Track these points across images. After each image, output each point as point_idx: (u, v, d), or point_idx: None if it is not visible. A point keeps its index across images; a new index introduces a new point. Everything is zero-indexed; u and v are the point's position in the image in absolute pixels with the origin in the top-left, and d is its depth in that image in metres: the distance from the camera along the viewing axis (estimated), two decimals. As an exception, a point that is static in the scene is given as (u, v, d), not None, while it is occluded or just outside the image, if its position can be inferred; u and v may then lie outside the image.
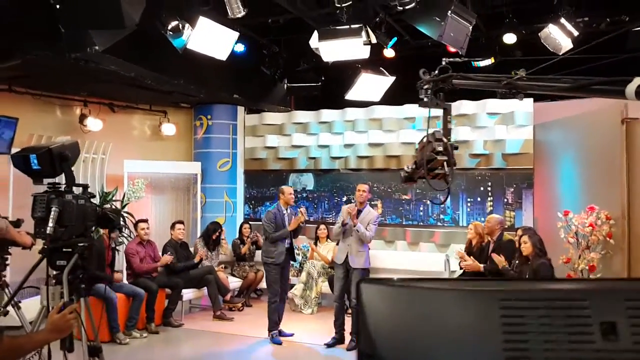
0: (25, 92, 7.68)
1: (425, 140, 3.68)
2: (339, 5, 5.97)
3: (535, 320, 0.73)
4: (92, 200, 2.56)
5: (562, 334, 0.73)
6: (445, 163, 3.58)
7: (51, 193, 2.34)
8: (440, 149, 3.57)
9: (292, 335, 6.40)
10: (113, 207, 7.79)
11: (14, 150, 6.32)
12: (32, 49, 5.89)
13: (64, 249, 2.42)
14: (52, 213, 2.27)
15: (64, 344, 2.25)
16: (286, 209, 6.50)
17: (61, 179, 2.46)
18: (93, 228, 2.58)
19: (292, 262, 6.64)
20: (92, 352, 2.48)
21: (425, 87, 3.87)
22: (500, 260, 5.78)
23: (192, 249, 7.68)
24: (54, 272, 2.41)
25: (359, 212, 6.18)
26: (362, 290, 0.81)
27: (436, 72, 3.75)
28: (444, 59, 3.73)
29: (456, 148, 3.70)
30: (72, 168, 7.42)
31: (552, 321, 0.73)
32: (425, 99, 3.84)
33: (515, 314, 0.74)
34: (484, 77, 3.58)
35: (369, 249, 7.48)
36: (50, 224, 2.25)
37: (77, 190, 2.54)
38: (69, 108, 8.46)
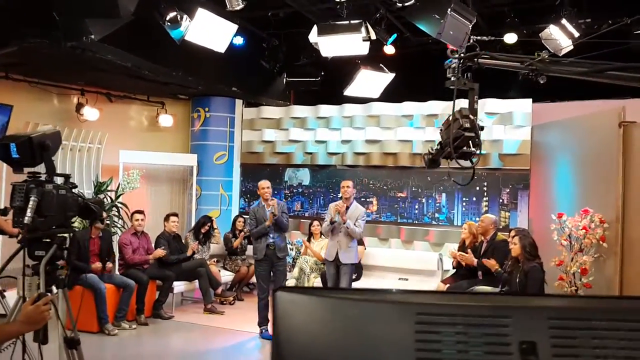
0: (22, 80, 7.65)
1: (450, 118, 3.63)
2: (339, 0, 5.93)
3: (451, 337, 0.70)
4: (73, 190, 2.53)
5: (479, 352, 0.70)
6: (472, 141, 3.52)
7: (30, 182, 2.31)
8: (468, 125, 3.53)
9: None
10: (103, 198, 7.79)
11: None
12: (28, 36, 5.86)
13: (44, 240, 2.39)
14: (31, 202, 2.24)
15: (38, 336, 2.22)
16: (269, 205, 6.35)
17: (42, 168, 2.43)
18: (74, 218, 2.54)
19: (285, 258, 6.46)
20: (70, 344, 2.45)
21: (453, 65, 3.83)
22: (492, 264, 5.76)
23: (184, 242, 7.65)
24: (32, 263, 2.39)
25: (346, 209, 6.19)
26: (277, 298, 0.79)
27: (463, 50, 3.73)
28: (472, 36, 3.71)
29: (482, 129, 3.65)
30: (67, 157, 7.40)
31: (469, 338, 0.70)
32: (453, 78, 3.81)
33: (430, 330, 0.71)
34: (508, 57, 3.56)
35: (363, 245, 7.52)
36: (29, 214, 2.22)
37: (59, 180, 2.51)
38: (66, 97, 8.42)
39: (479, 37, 3.67)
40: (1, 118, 6.57)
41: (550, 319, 0.71)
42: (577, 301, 0.84)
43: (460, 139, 3.52)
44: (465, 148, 3.67)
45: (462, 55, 3.68)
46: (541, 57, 3.19)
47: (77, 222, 6.34)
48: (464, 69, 3.87)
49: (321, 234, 7.84)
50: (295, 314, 0.76)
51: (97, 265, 6.25)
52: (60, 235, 2.44)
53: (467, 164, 3.60)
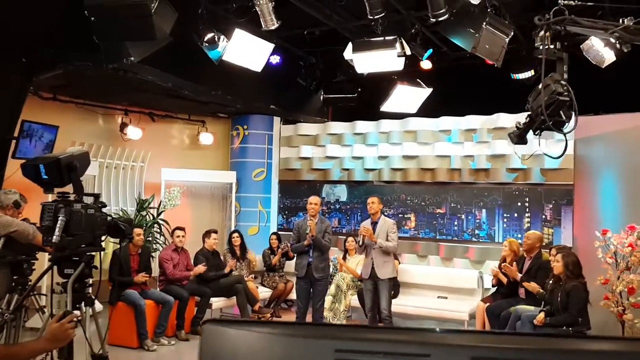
0: (69, 101, 7.96)
1: (539, 87, 3.55)
2: (372, 17, 5.93)
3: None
4: (103, 209, 2.60)
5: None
6: (567, 106, 3.41)
7: (59, 202, 2.39)
8: (562, 89, 3.44)
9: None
10: (145, 214, 7.97)
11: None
12: (72, 59, 6.12)
13: (73, 258, 2.46)
14: (59, 222, 2.31)
15: (62, 354, 2.27)
16: (315, 220, 6.36)
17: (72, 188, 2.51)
18: (103, 237, 2.61)
19: (324, 279, 6.39)
20: (98, 361, 2.50)
21: (541, 34, 3.77)
22: (533, 287, 5.57)
23: (222, 259, 7.74)
24: (62, 281, 2.46)
25: (375, 225, 6.12)
26: (204, 330, 0.78)
27: (551, 15, 3.66)
28: (560, 0, 3.63)
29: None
30: (111, 175, 7.61)
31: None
32: (541, 47, 3.75)
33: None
34: (594, 23, 3.46)
35: (397, 259, 7.43)
36: (57, 233, 2.29)
37: (89, 200, 2.59)
38: (111, 117, 8.71)
39: (567, 1, 3.57)
40: (48, 137, 6.81)
41: (473, 358, 0.68)
42: (503, 339, 0.80)
43: (555, 104, 3.41)
44: (560, 116, 3.54)
45: (549, 20, 3.58)
46: (625, 24, 3.11)
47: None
48: (552, 37, 3.78)
49: (356, 250, 7.80)
50: (221, 347, 0.75)
51: (139, 277, 6.39)
52: (89, 253, 2.50)
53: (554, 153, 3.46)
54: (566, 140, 3.49)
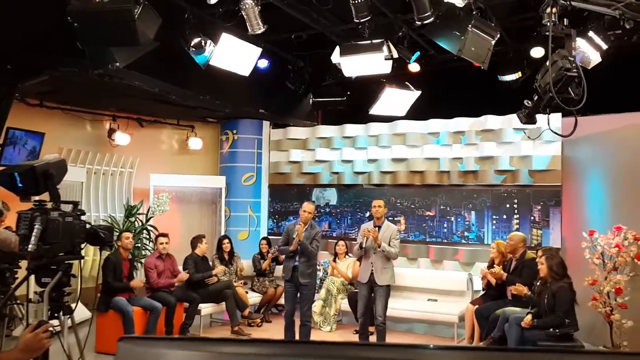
0: (55, 107, 7.92)
1: (547, 63, 3.53)
2: (358, 21, 5.93)
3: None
4: (81, 217, 2.57)
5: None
6: (575, 82, 3.38)
7: (35, 210, 2.36)
8: (570, 65, 3.41)
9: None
10: (134, 221, 7.93)
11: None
12: (58, 65, 6.09)
13: (51, 267, 2.43)
14: (35, 230, 2.28)
15: (37, 365, 2.24)
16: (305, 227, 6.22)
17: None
18: (82, 245, 2.58)
19: (309, 285, 6.22)
20: (77, 370, 2.47)
21: (548, 10, 3.75)
22: (520, 290, 5.58)
23: (211, 264, 7.70)
24: (40, 290, 2.43)
25: (378, 228, 6.08)
26: (119, 348, 0.77)
27: None
28: None
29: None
30: (99, 181, 7.56)
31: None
32: (549, 24, 3.73)
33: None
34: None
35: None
36: (32, 241, 2.26)
37: (67, 208, 2.56)
38: (99, 123, 8.67)
39: None
40: (32, 144, 6.77)
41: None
42: (415, 353, 0.79)
43: (563, 80, 3.38)
44: (568, 94, 3.52)
45: None
46: (628, 0, 3.12)
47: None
48: (559, 14, 3.77)
49: (346, 253, 7.78)
50: None
51: (136, 281, 6.38)
52: (67, 262, 2.47)
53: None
54: (576, 118, 3.45)
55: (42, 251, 2.34)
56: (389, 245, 6.03)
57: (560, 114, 7.37)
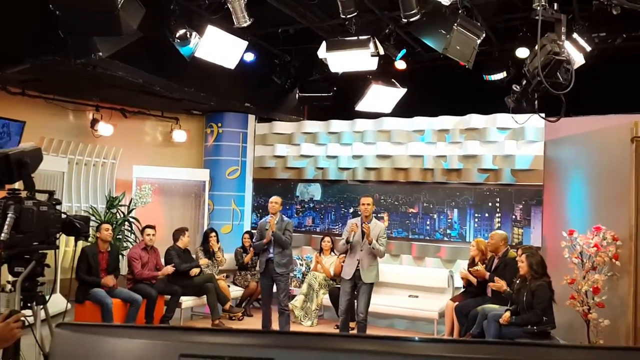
0: (38, 96, 7.81)
1: (536, 48, 3.52)
2: (345, 17, 5.93)
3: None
4: (57, 206, 2.54)
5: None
6: (563, 66, 3.37)
7: (9, 199, 2.33)
8: (558, 49, 3.41)
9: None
10: (116, 212, 7.86)
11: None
12: (40, 54, 6.00)
13: (25, 256, 2.41)
14: (8, 219, 2.25)
15: (7, 354, 2.22)
16: (276, 219, 6.38)
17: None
18: (58, 235, 2.55)
19: (285, 274, 6.40)
20: (50, 361, 2.44)
21: None
22: (499, 286, 5.64)
23: (194, 256, 7.67)
24: (13, 279, 2.40)
25: None
26: (55, 335, 0.77)
27: None
28: None
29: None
30: (81, 172, 7.49)
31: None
32: (539, 8, 3.72)
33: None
34: None
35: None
36: (5, 230, 2.23)
37: (42, 197, 2.53)
38: (82, 112, 8.58)
39: None
40: (14, 133, 6.68)
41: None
42: (397, 345, 0.80)
43: (551, 64, 3.39)
44: (556, 78, 3.52)
45: None
46: None
47: (91, 237, 6.43)
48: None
49: (331, 250, 7.78)
50: (71, 351, 0.73)
51: (108, 279, 6.30)
52: (41, 251, 2.45)
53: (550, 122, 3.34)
54: (564, 101, 3.46)
55: (15, 240, 2.31)
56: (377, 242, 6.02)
57: (543, 114, 7.44)
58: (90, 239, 6.04)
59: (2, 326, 2.02)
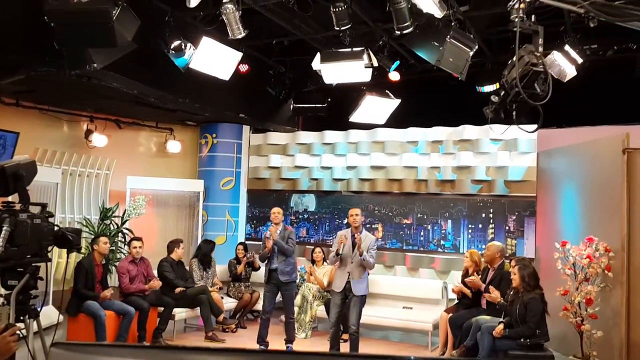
0: (32, 107, 7.81)
1: (514, 59, 3.55)
2: (339, 29, 5.96)
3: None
4: (50, 219, 2.54)
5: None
6: (541, 78, 3.40)
7: (4, 212, 2.33)
8: (536, 61, 3.43)
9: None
10: (109, 223, 7.84)
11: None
12: (35, 65, 6.01)
13: (18, 269, 2.40)
14: (3, 232, 2.25)
15: (2, 367, 2.21)
16: (278, 228, 6.48)
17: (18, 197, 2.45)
18: (50, 248, 2.55)
19: (290, 283, 6.51)
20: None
21: (516, 6, 3.77)
22: (494, 297, 5.65)
23: (187, 267, 7.64)
24: (5, 292, 2.39)
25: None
26: (51, 354, 0.77)
27: None
28: None
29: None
30: (75, 183, 7.47)
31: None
32: (517, 20, 3.74)
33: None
34: None
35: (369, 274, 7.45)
36: (0, 243, 2.23)
37: (35, 210, 2.53)
38: (76, 123, 8.57)
39: None
40: (9, 145, 6.67)
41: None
42: None
43: (529, 75, 3.41)
44: (533, 89, 3.54)
45: None
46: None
47: (83, 249, 6.41)
48: (527, 10, 3.79)
49: (324, 260, 7.77)
50: None
51: (106, 293, 6.28)
52: (34, 264, 2.44)
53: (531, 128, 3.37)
54: (541, 112, 3.50)
55: (9, 253, 2.30)
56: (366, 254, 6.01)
57: (535, 126, 7.49)
58: (82, 250, 6.04)
59: (-2, 339, 2.02)
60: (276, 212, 6.53)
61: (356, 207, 6.67)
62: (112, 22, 4.43)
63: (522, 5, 3.68)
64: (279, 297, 6.65)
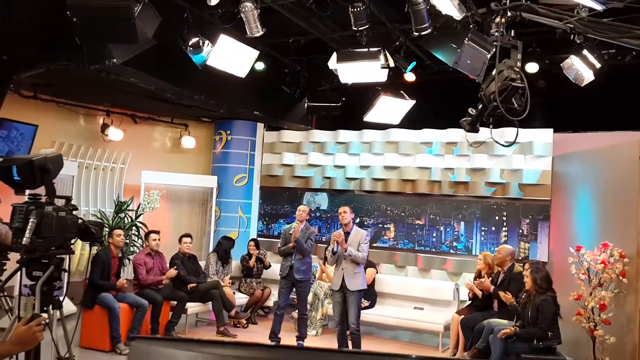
0: (50, 100, 7.89)
1: (494, 72, 3.56)
2: (357, 29, 5.97)
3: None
4: (74, 212, 2.58)
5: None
6: (520, 93, 3.42)
7: (30, 204, 2.37)
8: (515, 76, 3.45)
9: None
10: (124, 217, 7.91)
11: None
12: (54, 59, 6.07)
13: (42, 260, 2.44)
14: (30, 224, 2.30)
15: (29, 357, 2.26)
16: (301, 226, 6.59)
17: (44, 190, 2.50)
18: (73, 240, 2.60)
19: (304, 281, 6.63)
20: (64, 365, 2.48)
21: (497, 20, 3.78)
22: (507, 298, 5.65)
23: (203, 262, 7.71)
24: (30, 283, 2.44)
25: (347, 234, 6.11)
26: (132, 348, 0.79)
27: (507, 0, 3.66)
28: None
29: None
30: (90, 176, 7.55)
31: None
32: (497, 34, 3.75)
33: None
34: (549, 11, 3.47)
35: (374, 267, 7.51)
36: (27, 235, 2.28)
37: (60, 202, 2.57)
38: (92, 117, 8.65)
39: None
40: (27, 136, 6.74)
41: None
42: None
43: (507, 90, 3.42)
44: (511, 104, 3.56)
45: (505, 5, 3.61)
46: (580, 15, 3.12)
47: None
48: (507, 25, 3.79)
49: (328, 260, 7.80)
50: None
51: (122, 281, 6.37)
52: (59, 256, 2.49)
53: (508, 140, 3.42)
54: (517, 128, 3.52)
55: (35, 244, 2.35)
56: (357, 249, 6.05)
57: (551, 130, 7.47)
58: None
59: (24, 329, 2.06)
60: (301, 210, 6.67)
61: (345, 205, 6.73)
62: (133, 19, 4.47)
63: (502, 20, 3.68)
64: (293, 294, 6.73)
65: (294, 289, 6.62)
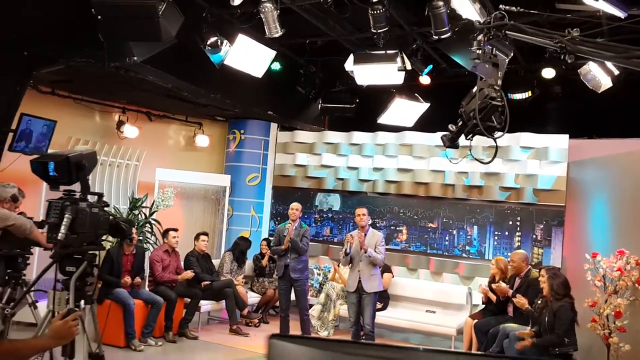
0: (67, 96, 7.93)
1: (474, 90, 3.56)
2: (376, 31, 5.99)
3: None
4: (105, 209, 2.61)
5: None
6: (499, 112, 3.42)
7: (66, 200, 2.40)
8: (495, 94, 3.45)
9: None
10: (138, 214, 7.95)
11: (50, 151, 6.52)
12: (74, 55, 6.11)
13: (75, 256, 2.47)
14: (65, 219, 2.33)
15: (65, 351, 2.28)
16: (294, 225, 6.67)
17: (77, 186, 2.53)
18: (104, 236, 2.62)
19: (301, 280, 6.68)
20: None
21: (479, 38, 3.76)
22: (522, 303, 5.64)
23: (216, 261, 7.74)
24: (63, 278, 2.46)
25: (364, 236, 6.15)
26: (271, 345, 0.81)
27: (491, 19, 3.63)
28: (501, 5, 3.60)
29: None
30: (105, 172, 7.58)
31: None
32: (479, 51, 3.74)
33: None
34: (537, 32, 3.44)
35: (390, 272, 7.52)
36: (62, 230, 2.31)
37: (92, 199, 2.60)
38: (108, 114, 8.69)
39: (507, 7, 3.55)
40: (46, 132, 6.78)
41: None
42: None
43: (487, 108, 3.43)
44: (491, 122, 3.56)
45: (489, 24, 3.59)
46: (571, 35, 3.09)
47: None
48: (490, 43, 3.76)
49: (340, 261, 7.82)
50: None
51: (126, 279, 6.37)
52: (91, 252, 2.51)
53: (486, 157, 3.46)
54: (496, 146, 3.53)
55: (69, 240, 2.38)
56: (375, 251, 6.10)
57: (567, 135, 7.45)
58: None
59: (61, 324, 2.08)
60: (294, 209, 6.71)
61: (363, 207, 6.76)
62: (158, 17, 4.51)
63: (485, 38, 3.67)
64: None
65: (292, 289, 6.68)
